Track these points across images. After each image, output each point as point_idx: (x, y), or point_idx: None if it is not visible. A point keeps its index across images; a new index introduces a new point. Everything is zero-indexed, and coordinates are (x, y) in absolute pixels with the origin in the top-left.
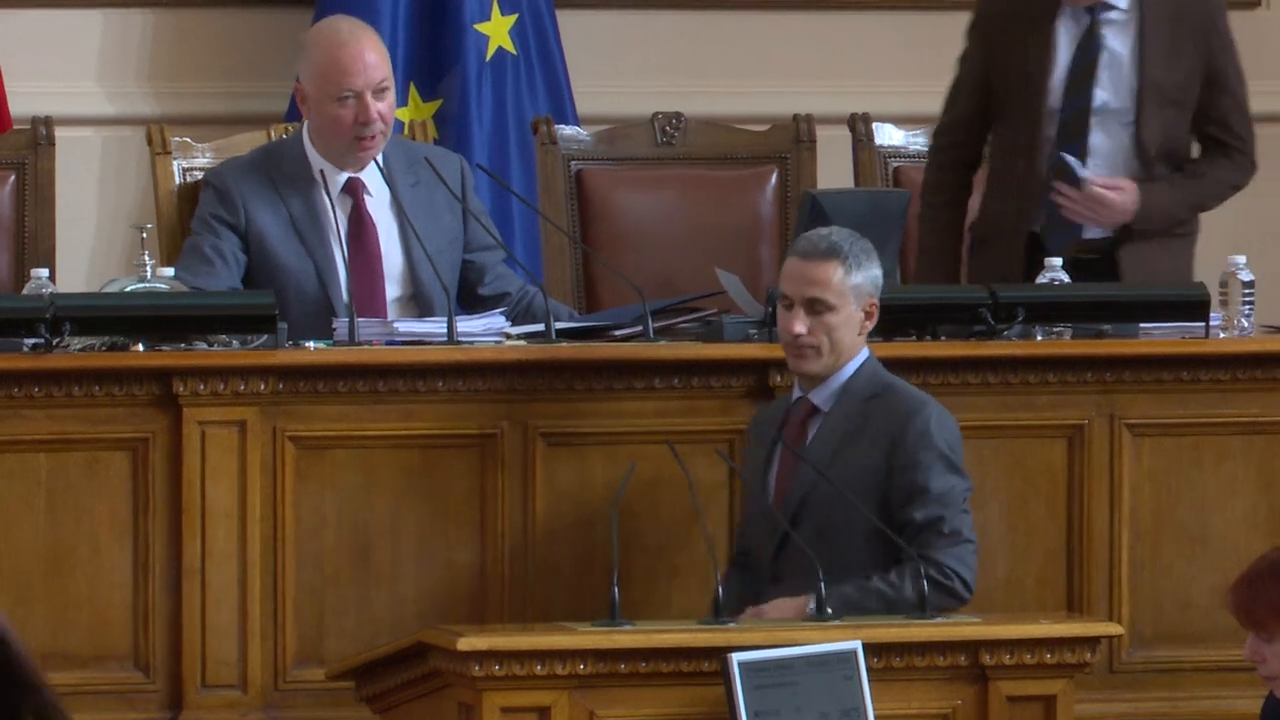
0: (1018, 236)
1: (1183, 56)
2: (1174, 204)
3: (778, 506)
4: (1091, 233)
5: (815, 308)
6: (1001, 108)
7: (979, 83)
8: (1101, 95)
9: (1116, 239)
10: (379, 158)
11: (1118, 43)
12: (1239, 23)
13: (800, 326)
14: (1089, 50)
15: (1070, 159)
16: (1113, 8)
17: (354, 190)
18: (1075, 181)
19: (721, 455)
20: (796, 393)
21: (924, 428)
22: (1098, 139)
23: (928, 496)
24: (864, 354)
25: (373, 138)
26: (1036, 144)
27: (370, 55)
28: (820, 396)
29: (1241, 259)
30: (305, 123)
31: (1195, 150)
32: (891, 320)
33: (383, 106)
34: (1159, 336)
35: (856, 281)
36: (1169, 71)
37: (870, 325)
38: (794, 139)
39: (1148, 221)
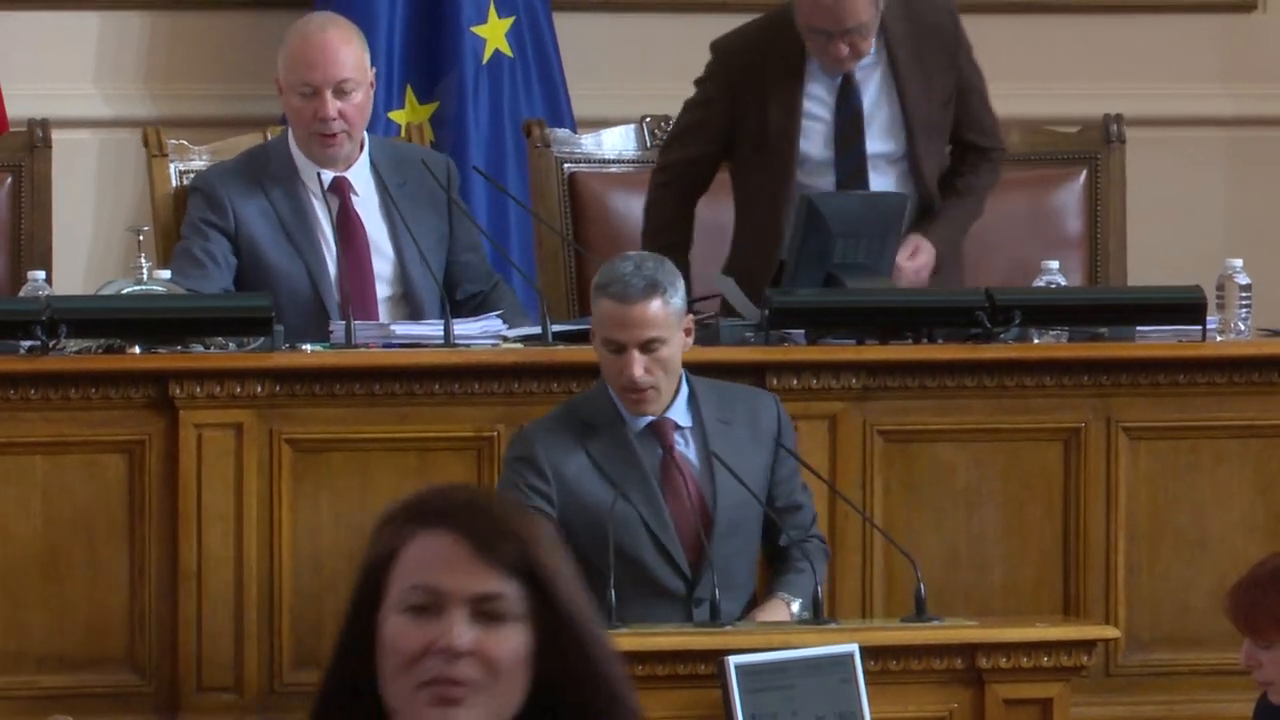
0: (764, 279)
1: (936, 81)
2: (960, 232)
3: (692, 534)
4: None
5: (650, 347)
6: (746, 155)
7: (720, 127)
8: (873, 145)
9: None
10: (366, 156)
11: (875, 87)
12: (1230, 26)
13: (639, 370)
14: (850, 103)
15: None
16: None
17: (340, 189)
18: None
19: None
20: (641, 419)
21: (787, 420)
22: (877, 187)
23: (799, 478)
24: None
25: (332, 135)
26: (784, 193)
27: (336, 51)
28: (678, 413)
29: (1238, 262)
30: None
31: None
32: (888, 323)
33: (346, 106)
34: (1155, 339)
35: (676, 306)
36: (928, 102)
37: (691, 340)
38: None
39: (947, 260)
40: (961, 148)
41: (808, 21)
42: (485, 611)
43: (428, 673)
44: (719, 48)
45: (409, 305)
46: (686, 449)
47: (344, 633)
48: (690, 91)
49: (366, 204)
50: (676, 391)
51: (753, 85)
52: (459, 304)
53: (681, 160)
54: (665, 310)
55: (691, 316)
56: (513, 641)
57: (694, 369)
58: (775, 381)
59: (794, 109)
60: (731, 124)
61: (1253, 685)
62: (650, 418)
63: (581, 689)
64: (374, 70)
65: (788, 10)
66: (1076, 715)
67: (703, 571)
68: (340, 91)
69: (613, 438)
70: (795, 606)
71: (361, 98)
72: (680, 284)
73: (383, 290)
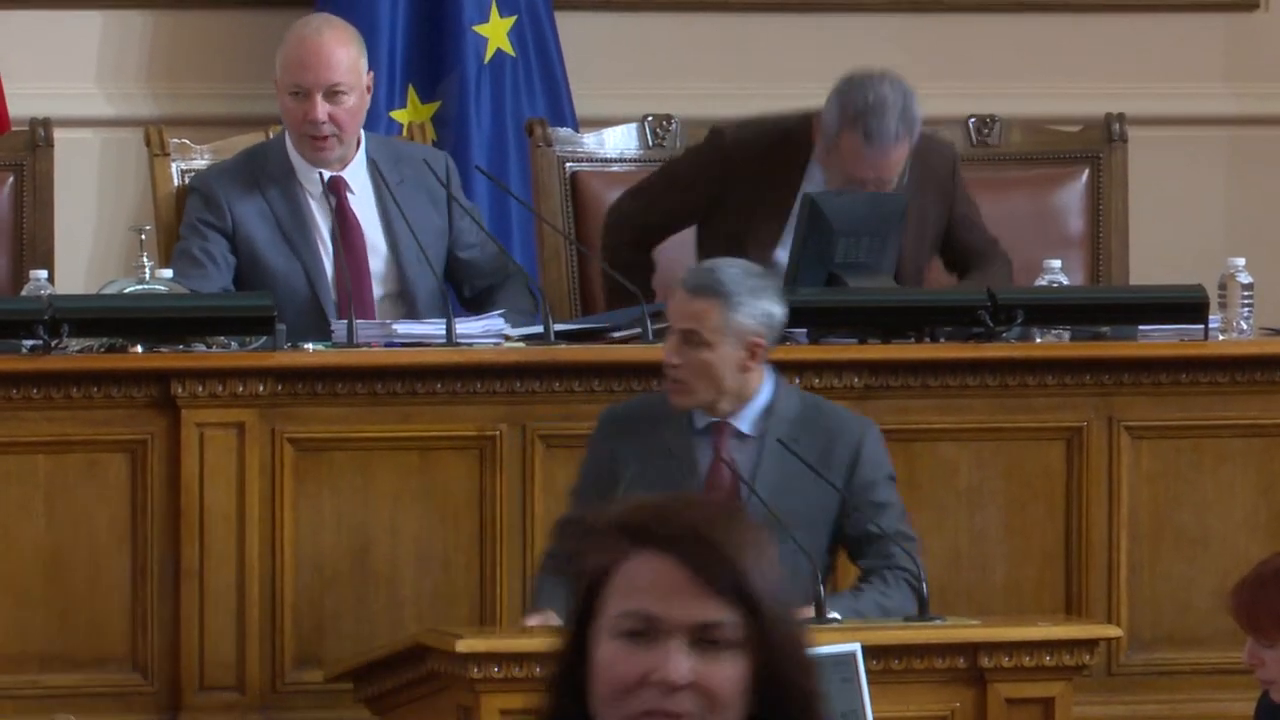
0: None
1: (929, 219)
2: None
3: None
4: None
5: (690, 339)
6: (718, 233)
7: (698, 207)
8: None
9: None
10: (363, 155)
11: None
12: (1232, 26)
13: (673, 356)
14: None
15: None
16: None
17: (336, 189)
18: None
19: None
20: (703, 418)
21: (876, 448)
22: None
23: (887, 510)
24: (770, 379)
25: (323, 138)
26: (767, 243)
27: (330, 55)
28: (743, 421)
29: (1240, 261)
30: None
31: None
32: (890, 322)
33: (337, 110)
34: (1158, 339)
35: (737, 320)
36: (918, 241)
37: (756, 364)
38: None
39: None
40: (967, 265)
41: (852, 173)
42: (704, 639)
43: (644, 705)
44: (725, 136)
45: (405, 303)
46: (741, 457)
47: (563, 646)
48: (691, 90)
49: (363, 203)
50: (748, 401)
51: (747, 181)
52: (468, 301)
53: (650, 219)
54: (718, 314)
55: (761, 341)
56: (732, 671)
57: None
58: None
59: (781, 218)
60: (711, 208)
61: (1254, 684)
62: (714, 418)
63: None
64: (371, 74)
65: (802, 120)
66: (1078, 714)
67: None
68: (331, 95)
69: (677, 432)
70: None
71: (354, 101)
72: (761, 303)
73: (378, 289)
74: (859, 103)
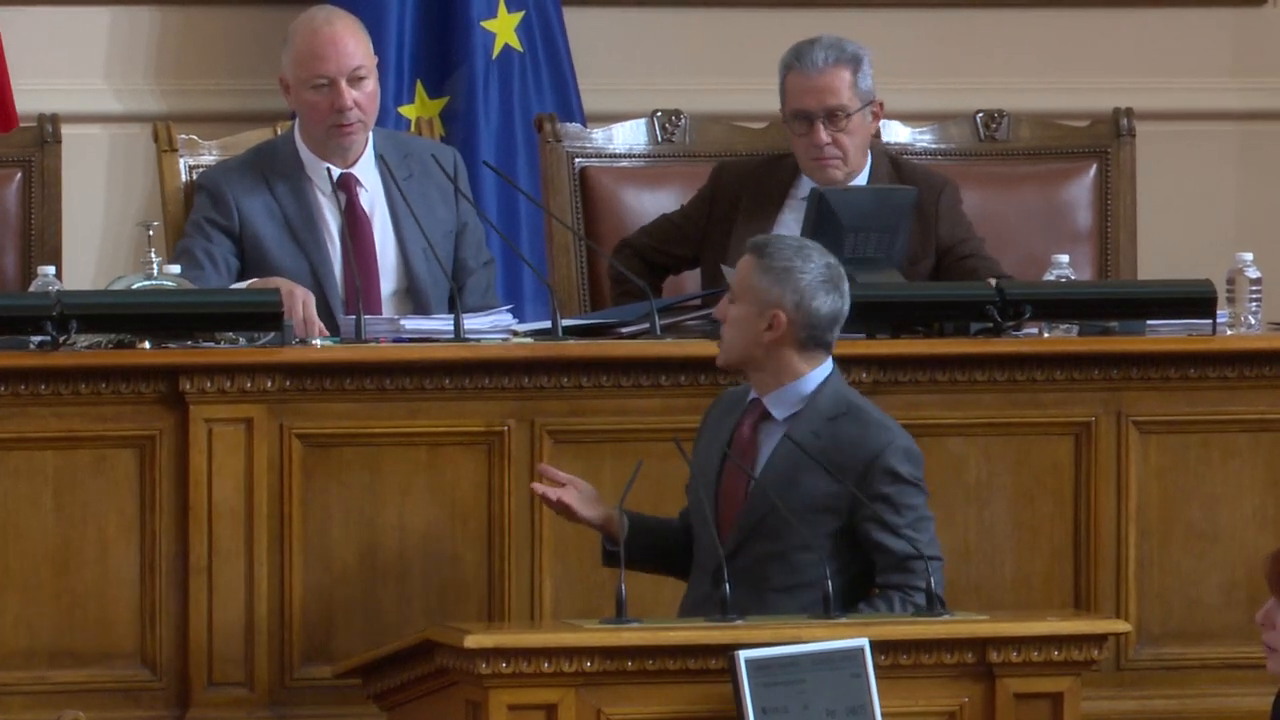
0: None
1: (921, 258)
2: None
3: (728, 517)
4: None
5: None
6: (713, 264)
7: (692, 239)
8: None
9: None
10: (371, 150)
11: None
12: (1240, 20)
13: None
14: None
15: None
16: None
17: (347, 185)
18: None
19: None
20: (752, 392)
21: (890, 463)
22: None
23: (900, 525)
24: (827, 368)
25: (350, 125)
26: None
27: (345, 42)
28: (777, 405)
29: (1248, 256)
30: (296, 119)
31: None
32: (898, 317)
33: (359, 94)
34: (1166, 334)
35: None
36: (907, 272)
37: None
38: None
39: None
40: None
41: (797, 107)
42: None
43: None
44: (717, 169)
45: (413, 300)
46: (766, 439)
47: None
48: (700, 86)
49: (373, 199)
50: (789, 384)
51: (731, 210)
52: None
53: (651, 246)
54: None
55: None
56: None
57: (701, 365)
58: None
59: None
60: (703, 240)
61: (1262, 679)
62: (755, 395)
63: None
64: (376, 59)
65: (789, 155)
66: (1087, 709)
67: (731, 558)
68: (354, 80)
69: (735, 400)
70: None
71: (373, 86)
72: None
73: (387, 285)
74: (792, 49)
